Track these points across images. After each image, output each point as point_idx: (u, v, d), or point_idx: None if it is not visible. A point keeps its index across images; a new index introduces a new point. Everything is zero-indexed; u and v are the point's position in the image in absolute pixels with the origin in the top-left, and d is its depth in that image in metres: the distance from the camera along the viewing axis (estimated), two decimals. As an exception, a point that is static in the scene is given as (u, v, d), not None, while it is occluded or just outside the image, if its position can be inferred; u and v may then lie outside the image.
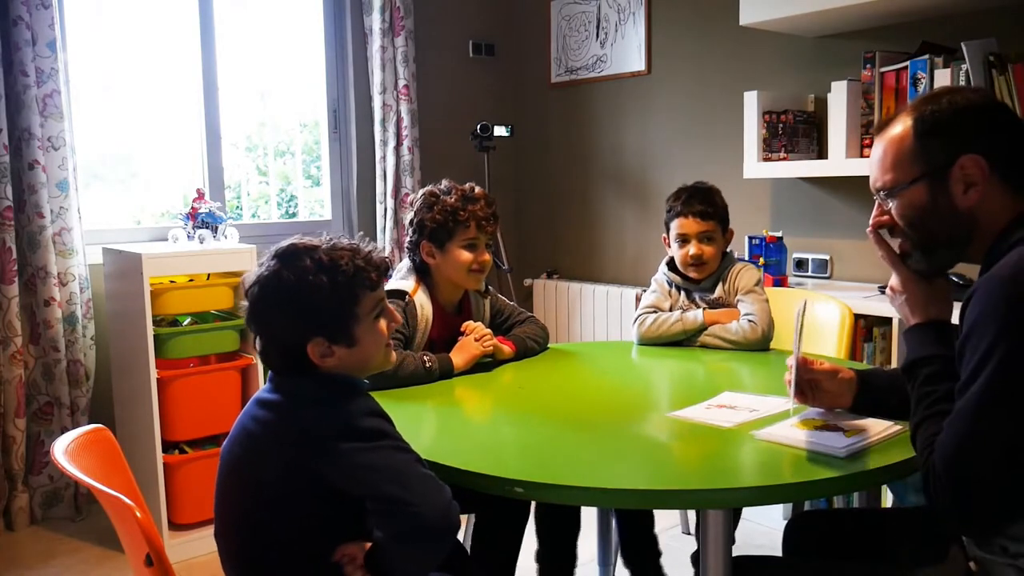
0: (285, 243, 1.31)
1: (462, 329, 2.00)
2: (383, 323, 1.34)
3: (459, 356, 1.93)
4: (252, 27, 3.60)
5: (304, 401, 1.27)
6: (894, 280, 1.30)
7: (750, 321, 2.09)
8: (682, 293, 2.24)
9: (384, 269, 1.35)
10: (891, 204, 1.27)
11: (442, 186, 2.05)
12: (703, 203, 2.17)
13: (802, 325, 1.40)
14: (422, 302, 1.98)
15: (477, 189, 2.05)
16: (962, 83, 2.33)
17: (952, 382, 1.15)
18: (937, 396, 1.17)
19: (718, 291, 2.20)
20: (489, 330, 2.02)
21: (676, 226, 2.20)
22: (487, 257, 2.04)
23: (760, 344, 2.08)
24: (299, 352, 1.27)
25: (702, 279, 2.20)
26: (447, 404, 1.77)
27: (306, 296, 1.26)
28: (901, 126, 1.24)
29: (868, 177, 1.31)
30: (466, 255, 2.00)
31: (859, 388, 1.47)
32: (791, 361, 1.37)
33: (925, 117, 1.21)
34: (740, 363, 2.01)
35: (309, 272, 1.26)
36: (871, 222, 1.31)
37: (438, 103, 3.94)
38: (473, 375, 1.93)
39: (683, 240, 2.19)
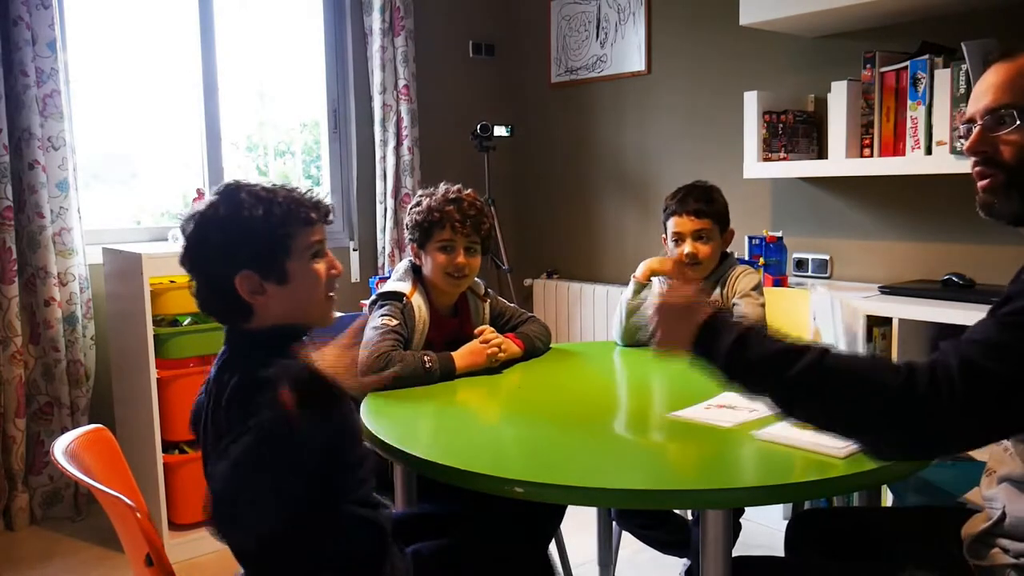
0: (227, 181, 1.31)
1: (475, 332, 1.97)
2: (321, 265, 1.30)
3: (463, 358, 1.90)
4: (252, 27, 3.60)
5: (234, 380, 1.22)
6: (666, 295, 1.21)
7: None
8: None
9: (324, 211, 1.32)
10: (1002, 131, 1.15)
11: (436, 188, 2.03)
12: (699, 201, 2.14)
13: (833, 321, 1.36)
14: (419, 303, 1.97)
15: (466, 192, 2.01)
16: (962, 83, 2.33)
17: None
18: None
19: (715, 294, 2.16)
20: (502, 337, 1.98)
21: (672, 225, 2.17)
22: (463, 261, 1.97)
23: None
24: (229, 288, 1.25)
25: (699, 279, 2.16)
26: (447, 404, 1.77)
27: (238, 225, 1.25)
28: None
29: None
30: (441, 257, 1.97)
31: None
32: None
33: None
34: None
35: (244, 204, 1.26)
36: (967, 145, 1.19)
37: (438, 103, 3.94)
38: (472, 374, 1.92)
39: (678, 239, 2.16)
